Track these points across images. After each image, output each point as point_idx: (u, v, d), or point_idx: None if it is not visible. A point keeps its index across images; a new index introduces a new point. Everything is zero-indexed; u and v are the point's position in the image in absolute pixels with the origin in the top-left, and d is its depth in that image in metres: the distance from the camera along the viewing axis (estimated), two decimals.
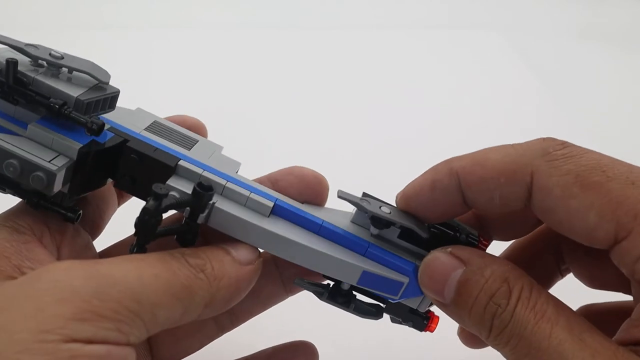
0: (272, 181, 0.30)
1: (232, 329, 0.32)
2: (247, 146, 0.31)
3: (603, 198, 0.22)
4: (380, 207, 0.27)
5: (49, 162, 0.24)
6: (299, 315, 0.37)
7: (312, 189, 0.29)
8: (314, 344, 0.33)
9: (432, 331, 0.29)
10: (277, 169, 0.30)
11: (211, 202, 0.25)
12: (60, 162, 0.24)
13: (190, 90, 0.65)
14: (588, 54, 0.80)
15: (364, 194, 0.28)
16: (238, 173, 0.29)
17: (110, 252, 0.30)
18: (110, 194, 0.31)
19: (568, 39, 0.83)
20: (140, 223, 0.23)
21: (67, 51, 0.27)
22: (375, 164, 0.58)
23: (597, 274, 0.30)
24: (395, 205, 0.27)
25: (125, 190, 0.27)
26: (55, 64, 0.25)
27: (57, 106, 0.24)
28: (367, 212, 0.26)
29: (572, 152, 0.24)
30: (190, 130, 0.30)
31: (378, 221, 0.27)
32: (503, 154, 0.25)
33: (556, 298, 0.24)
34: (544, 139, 0.25)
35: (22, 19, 0.80)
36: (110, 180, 0.28)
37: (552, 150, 0.24)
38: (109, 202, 0.31)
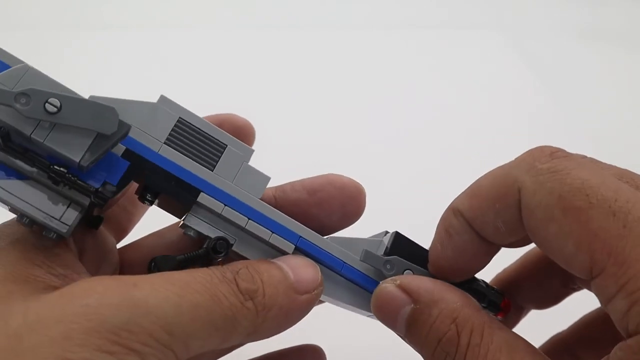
0: (309, 191, 0.28)
1: (240, 346, 0.31)
2: (255, 145, 0.31)
3: (582, 227, 0.20)
4: (404, 272, 0.26)
5: (59, 220, 0.22)
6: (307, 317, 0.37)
7: (355, 200, 0.28)
8: (322, 346, 0.33)
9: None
10: (285, 167, 0.30)
11: (230, 243, 0.25)
12: (71, 216, 0.23)
13: (191, 90, 0.65)
14: (588, 54, 0.80)
15: (396, 237, 0.27)
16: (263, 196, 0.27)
17: (127, 251, 0.30)
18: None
19: (568, 39, 0.83)
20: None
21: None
22: (375, 163, 0.58)
23: None
24: (425, 266, 0.27)
25: (146, 202, 0.26)
26: (50, 122, 0.22)
27: (57, 176, 0.22)
28: (386, 279, 0.26)
29: (557, 166, 0.22)
30: (239, 132, 0.29)
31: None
32: (492, 177, 0.24)
33: (514, 339, 0.22)
34: (532, 151, 0.23)
35: (22, 18, 0.80)
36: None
37: (537, 165, 0.22)
38: (137, 203, 0.30)
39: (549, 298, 0.31)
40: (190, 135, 0.26)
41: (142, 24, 0.84)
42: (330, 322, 0.36)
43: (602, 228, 0.20)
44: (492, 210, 0.23)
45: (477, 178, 0.25)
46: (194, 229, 0.25)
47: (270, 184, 0.29)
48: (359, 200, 0.28)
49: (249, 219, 0.25)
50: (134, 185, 0.27)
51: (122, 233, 0.30)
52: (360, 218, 0.30)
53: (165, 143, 0.25)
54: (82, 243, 0.26)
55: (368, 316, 0.27)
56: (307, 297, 0.23)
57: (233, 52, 0.78)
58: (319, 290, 0.24)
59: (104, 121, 0.22)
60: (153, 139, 0.25)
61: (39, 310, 0.20)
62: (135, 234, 0.31)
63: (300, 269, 0.24)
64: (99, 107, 0.22)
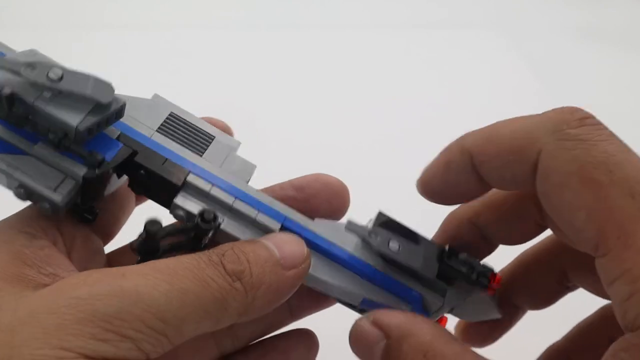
0: (297, 188, 0.29)
1: (232, 351, 0.31)
2: (249, 144, 0.31)
3: (597, 202, 0.20)
4: (388, 242, 0.26)
5: (54, 190, 0.23)
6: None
7: (340, 196, 0.28)
8: (316, 332, 0.32)
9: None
10: (280, 167, 0.30)
11: (218, 222, 0.25)
12: (66, 188, 0.24)
13: (191, 89, 0.65)
14: (588, 54, 0.80)
15: (379, 214, 0.27)
16: (250, 180, 0.28)
17: (116, 255, 0.30)
18: (128, 200, 0.30)
19: (568, 39, 0.83)
20: (139, 248, 0.24)
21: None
22: (375, 163, 0.58)
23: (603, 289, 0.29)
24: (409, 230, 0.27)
25: (141, 194, 0.27)
26: (52, 89, 0.24)
27: (56, 139, 0.23)
28: (373, 247, 0.26)
29: (587, 134, 0.21)
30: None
31: (383, 258, 0.27)
32: (513, 128, 0.23)
33: None
34: (562, 110, 0.23)
35: (23, 17, 0.80)
36: (126, 179, 0.28)
37: (565, 127, 0.22)
38: (125, 209, 0.30)
39: (544, 297, 0.31)
40: (181, 126, 0.28)
41: (143, 24, 0.84)
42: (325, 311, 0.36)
43: (618, 207, 0.19)
44: (504, 160, 0.23)
45: (497, 122, 0.24)
46: (183, 208, 0.25)
47: (265, 184, 0.29)
48: (344, 196, 0.29)
49: (235, 197, 0.26)
50: (122, 187, 0.28)
51: (109, 236, 0.30)
52: (360, 218, 0.30)
53: (157, 131, 0.27)
54: (71, 243, 0.26)
55: (355, 304, 0.27)
56: (295, 272, 0.23)
57: (233, 52, 0.78)
58: (306, 264, 0.24)
59: (101, 91, 0.24)
60: (146, 127, 0.27)
61: (29, 305, 0.20)
62: (124, 239, 0.31)
63: (285, 245, 0.24)
64: (97, 80, 0.24)
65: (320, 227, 0.27)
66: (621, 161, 0.21)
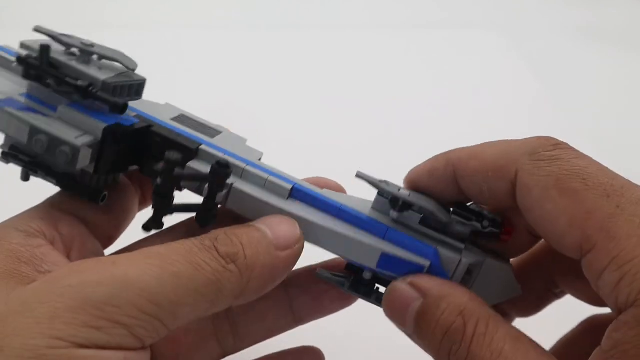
0: None
1: (235, 352, 0.31)
2: (250, 144, 0.31)
3: (576, 206, 0.21)
4: (399, 190, 0.27)
5: (75, 138, 0.25)
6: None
7: None
8: (321, 347, 0.32)
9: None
10: (280, 166, 0.30)
11: (230, 182, 0.26)
12: (85, 139, 0.25)
13: (191, 89, 0.66)
14: (587, 54, 0.80)
15: (382, 181, 0.28)
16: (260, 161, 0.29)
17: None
18: (131, 204, 0.30)
19: (567, 39, 0.83)
20: (156, 190, 0.24)
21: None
22: (374, 162, 0.58)
23: (591, 294, 0.28)
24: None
25: (152, 175, 0.27)
26: (86, 51, 0.26)
27: (84, 86, 0.25)
28: (385, 192, 0.26)
29: (560, 155, 0.23)
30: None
31: (397, 202, 0.26)
32: (498, 149, 0.25)
33: (517, 332, 0.23)
34: (538, 138, 0.25)
35: (23, 17, 0.80)
36: (127, 184, 0.29)
37: (541, 151, 0.24)
38: (127, 214, 0.30)
39: (533, 304, 0.31)
40: (192, 120, 0.30)
41: (143, 24, 0.84)
42: (330, 323, 0.36)
43: (595, 208, 0.21)
44: (484, 175, 0.25)
45: (483, 142, 0.26)
46: (195, 169, 0.26)
47: None
48: None
49: (246, 164, 0.27)
50: (127, 191, 0.30)
51: (110, 241, 0.30)
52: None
53: (171, 119, 0.29)
54: (70, 244, 0.26)
55: (372, 265, 0.26)
56: (289, 253, 0.24)
57: (233, 52, 0.78)
58: (300, 245, 0.25)
59: (128, 60, 0.28)
60: (161, 115, 0.29)
61: (21, 296, 0.20)
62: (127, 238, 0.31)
63: (278, 227, 0.24)
64: (124, 55, 0.28)
65: (330, 194, 0.28)
66: (593, 171, 0.22)
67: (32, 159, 0.26)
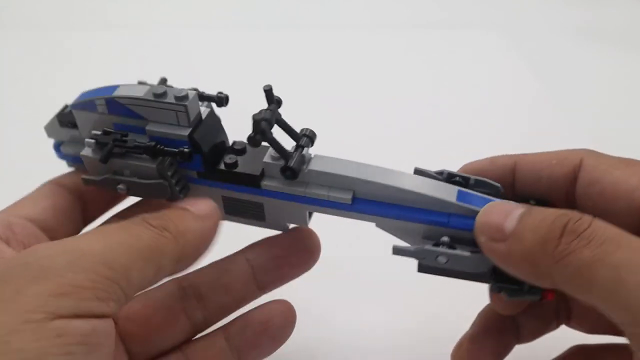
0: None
1: (205, 328, 0.32)
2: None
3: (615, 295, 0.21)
4: (437, 258, 0.27)
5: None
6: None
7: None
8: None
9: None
10: None
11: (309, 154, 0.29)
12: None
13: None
14: (587, 54, 0.80)
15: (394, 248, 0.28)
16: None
17: None
18: (70, 209, 0.31)
19: (567, 39, 0.83)
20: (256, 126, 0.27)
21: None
22: (374, 162, 0.58)
23: (592, 317, 0.31)
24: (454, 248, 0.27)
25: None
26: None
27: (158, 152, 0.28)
28: (422, 262, 0.27)
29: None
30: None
31: (438, 271, 0.28)
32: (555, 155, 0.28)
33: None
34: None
35: (23, 17, 0.80)
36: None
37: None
38: (68, 215, 0.31)
39: (538, 328, 0.33)
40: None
41: (143, 24, 0.84)
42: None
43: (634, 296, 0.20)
44: (547, 163, 0.29)
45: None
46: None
47: None
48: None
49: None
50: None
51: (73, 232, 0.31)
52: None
53: None
54: (27, 242, 0.28)
55: (445, 220, 0.27)
56: (213, 220, 0.27)
57: (233, 52, 0.78)
58: (219, 214, 0.27)
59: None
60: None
61: None
62: None
63: (195, 203, 0.27)
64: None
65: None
66: (627, 260, 0.21)
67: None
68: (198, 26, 0.85)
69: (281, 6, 0.90)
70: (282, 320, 0.32)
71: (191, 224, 0.26)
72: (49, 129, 0.32)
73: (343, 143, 0.63)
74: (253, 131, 0.27)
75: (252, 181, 0.29)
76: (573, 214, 0.23)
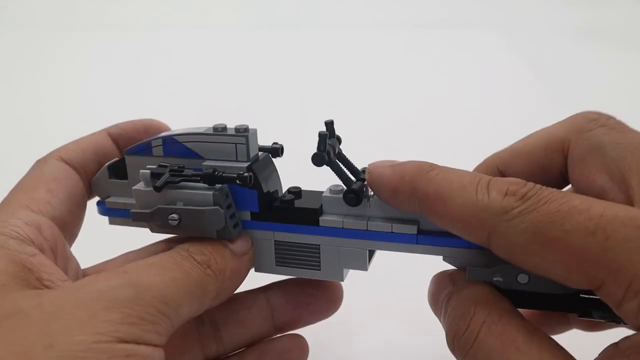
0: None
1: (217, 358, 0.32)
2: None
3: (565, 254, 0.21)
4: (516, 277, 0.26)
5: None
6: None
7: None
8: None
9: None
10: (280, 166, 0.30)
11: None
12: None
13: (191, 89, 0.66)
14: (587, 54, 0.80)
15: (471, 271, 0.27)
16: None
17: (104, 268, 0.31)
18: (82, 200, 0.31)
19: (567, 39, 0.83)
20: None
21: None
22: (374, 160, 0.58)
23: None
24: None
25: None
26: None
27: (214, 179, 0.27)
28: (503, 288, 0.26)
29: (529, 207, 0.22)
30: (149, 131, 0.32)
31: (518, 294, 0.26)
32: (468, 202, 0.24)
33: (533, 327, 0.23)
34: (505, 195, 0.23)
35: (23, 17, 0.80)
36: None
37: (510, 209, 0.22)
38: (81, 207, 0.31)
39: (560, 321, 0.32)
40: None
41: (143, 24, 0.84)
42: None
43: (585, 249, 0.20)
44: (461, 232, 0.25)
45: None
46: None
47: None
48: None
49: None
50: (75, 190, 0.30)
51: (73, 238, 0.31)
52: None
53: None
54: (55, 249, 0.28)
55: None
56: (247, 257, 0.28)
57: (233, 52, 0.78)
58: (253, 251, 0.29)
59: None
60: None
61: (53, 301, 0.23)
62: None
63: (233, 240, 0.28)
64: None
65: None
66: (566, 211, 0.21)
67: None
68: (198, 26, 0.85)
69: (281, 6, 0.90)
70: (298, 355, 0.33)
71: (229, 262, 0.27)
72: (96, 183, 0.31)
73: (343, 143, 0.63)
74: (318, 148, 0.27)
75: (310, 217, 0.29)
76: (483, 308, 0.24)
